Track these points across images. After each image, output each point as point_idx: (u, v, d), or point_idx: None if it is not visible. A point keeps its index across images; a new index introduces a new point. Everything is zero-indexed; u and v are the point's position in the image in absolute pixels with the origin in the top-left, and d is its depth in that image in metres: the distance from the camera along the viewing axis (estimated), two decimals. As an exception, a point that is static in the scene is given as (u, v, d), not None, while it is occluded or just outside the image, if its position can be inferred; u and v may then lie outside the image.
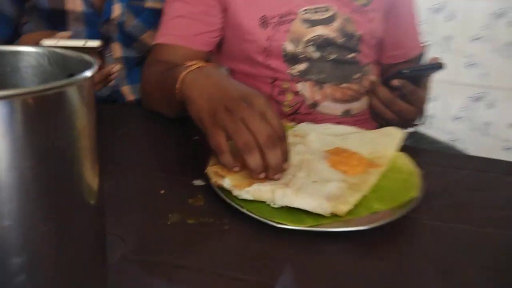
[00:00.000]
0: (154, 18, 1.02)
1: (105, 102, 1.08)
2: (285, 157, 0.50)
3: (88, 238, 0.26)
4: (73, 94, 0.21)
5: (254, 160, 0.47)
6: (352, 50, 0.84)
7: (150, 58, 0.84)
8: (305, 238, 0.44)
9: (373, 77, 0.75)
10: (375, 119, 0.75)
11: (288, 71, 0.82)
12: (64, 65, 0.27)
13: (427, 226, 0.48)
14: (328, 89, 0.83)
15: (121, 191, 0.50)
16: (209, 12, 0.81)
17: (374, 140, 0.64)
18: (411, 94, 0.68)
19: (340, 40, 0.82)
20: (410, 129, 0.89)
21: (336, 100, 0.84)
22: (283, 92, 0.84)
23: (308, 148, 0.61)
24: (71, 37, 0.77)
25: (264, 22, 0.79)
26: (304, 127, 0.70)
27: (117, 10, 0.98)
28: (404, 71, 0.67)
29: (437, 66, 0.68)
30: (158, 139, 0.67)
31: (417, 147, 0.66)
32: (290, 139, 0.64)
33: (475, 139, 1.80)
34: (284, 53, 0.81)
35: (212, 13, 0.81)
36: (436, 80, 1.73)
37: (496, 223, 0.49)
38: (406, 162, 0.58)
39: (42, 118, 0.20)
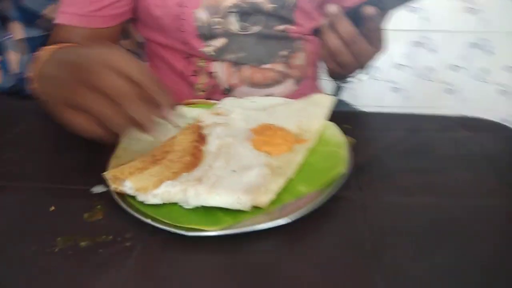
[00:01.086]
0: None
1: (8, 94, 0.95)
2: (157, 103, 0.42)
3: None
4: None
5: (117, 127, 0.40)
6: (284, 20, 0.73)
7: (49, 42, 0.73)
8: (224, 239, 0.39)
9: (332, 7, 0.58)
10: (328, 62, 0.63)
11: (202, 48, 0.71)
12: None
13: (357, 203, 0.43)
14: (246, 71, 0.73)
15: None
16: None
17: (302, 111, 0.58)
18: (376, 30, 0.57)
19: (269, 6, 0.71)
20: (350, 80, 0.80)
21: (255, 85, 0.74)
22: (197, 72, 0.75)
23: (230, 129, 0.55)
24: None
25: None
26: (228, 103, 0.62)
27: None
28: None
29: None
30: (53, 140, 0.57)
31: (346, 111, 0.61)
32: (212, 119, 0.57)
33: (419, 85, 1.80)
34: (196, 24, 0.69)
35: None
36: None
37: (431, 190, 0.46)
38: (334, 133, 0.53)
39: None
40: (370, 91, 1.83)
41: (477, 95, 1.81)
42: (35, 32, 0.91)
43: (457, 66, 1.76)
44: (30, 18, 0.89)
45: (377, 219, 0.42)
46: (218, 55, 0.72)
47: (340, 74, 0.67)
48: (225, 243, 0.39)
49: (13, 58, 0.90)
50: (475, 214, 0.42)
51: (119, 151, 0.49)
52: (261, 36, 0.73)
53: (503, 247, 0.39)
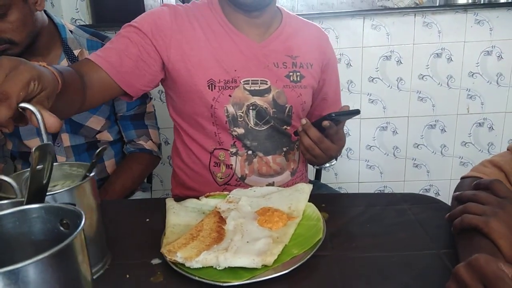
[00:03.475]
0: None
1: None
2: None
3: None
4: (76, 241, 0.35)
5: None
6: (284, 122, 1.00)
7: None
8: (246, 287, 0.59)
9: (303, 120, 0.86)
10: (305, 155, 0.88)
11: (230, 131, 0.96)
12: (56, 214, 0.41)
13: (332, 258, 0.65)
14: (255, 164, 0.99)
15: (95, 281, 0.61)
16: (147, 60, 0.89)
17: (290, 196, 0.81)
18: (335, 133, 0.83)
19: (272, 110, 0.97)
20: (328, 165, 1.07)
21: (262, 175, 1.00)
22: (218, 164, 0.99)
23: (240, 212, 0.77)
24: None
25: (212, 84, 0.93)
26: (235, 193, 0.86)
27: None
28: (333, 114, 0.79)
29: (356, 111, 0.82)
30: (113, 226, 0.78)
31: (322, 194, 0.84)
32: (226, 205, 0.80)
33: (389, 162, 2.08)
34: (226, 114, 0.95)
35: (149, 62, 0.90)
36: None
37: (381, 246, 0.67)
38: (313, 210, 0.75)
39: (61, 259, 0.34)
40: (349, 169, 2.09)
41: (438, 167, 2.09)
42: (78, 140, 1.16)
43: (419, 144, 2.06)
44: (75, 128, 1.14)
45: (345, 269, 0.62)
46: (239, 138, 0.97)
47: (315, 163, 0.93)
48: (246, 290, 0.59)
49: (60, 161, 1.14)
50: (411, 261, 0.64)
51: (168, 234, 0.70)
52: (269, 133, 0.99)
53: (428, 281, 0.59)
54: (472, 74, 1.96)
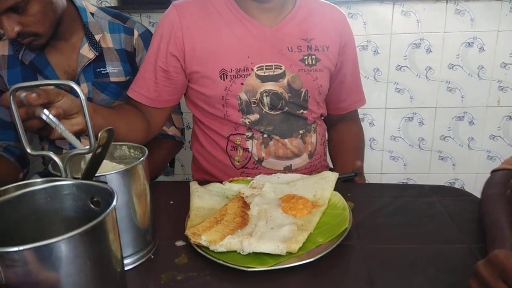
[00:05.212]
0: (119, 89, 1.15)
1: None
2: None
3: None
4: (108, 219, 0.35)
5: None
6: (300, 106, 0.98)
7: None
8: (270, 274, 0.58)
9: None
10: None
11: (242, 119, 0.96)
12: (87, 191, 0.41)
13: (358, 248, 0.63)
14: (272, 147, 0.98)
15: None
16: (175, 76, 0.96)
17: (315, 183, 0.80)
18: None
19: (288, 95, 0.96)
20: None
21: (279, 157, 0.99)
22: (235, 147, 0.99)
23: (264, 198, 0.76)
24: None
25: (224, 74, 0.93)
26: (259, 179, 0.85)
27: (84, 89, 1.10)
28: None
29: (352, 174, 0.91)
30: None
31: (347, 183, 0.83)
32: (249, 191, 0.79)
33: (413, 154, 2.03)
34: (239, 102, 0.95)
35: (176, 76, 0.97)
36: (372, 107, 1.95)
37: (410, 238, 0.66)
38: (339, 199, 0.74)
39: (93, 236, 0.34)
40: (372, 160, 2.06)
41: (464, 161, 2.03)
42: None
43: (445, 136, 2.00)
44: None
45: (371, 259, 0.61)
46: (252, 125, 0.96)
47: None
48: (270, 276, 0.58)
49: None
50: (440, 254, 0.62)
51: (192, 217, 0.70)
52: (284, 116, 0.98)
53: (458, 276, 0.58)
54: (505, 65, 1.88)
